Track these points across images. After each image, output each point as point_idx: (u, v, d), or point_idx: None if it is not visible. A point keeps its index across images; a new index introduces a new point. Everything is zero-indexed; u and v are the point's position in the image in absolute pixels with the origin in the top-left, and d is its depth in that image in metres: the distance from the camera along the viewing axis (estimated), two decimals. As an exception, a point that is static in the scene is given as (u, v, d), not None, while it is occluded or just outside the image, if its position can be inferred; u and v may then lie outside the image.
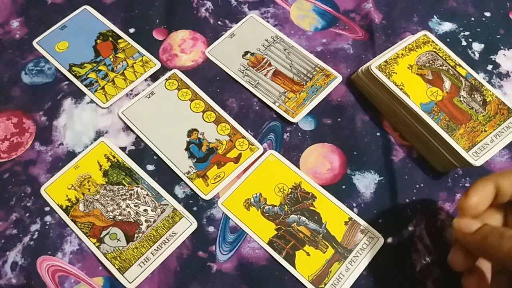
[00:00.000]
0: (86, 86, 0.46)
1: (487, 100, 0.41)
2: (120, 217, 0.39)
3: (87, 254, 0.38)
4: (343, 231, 0.39)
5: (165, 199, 0.40)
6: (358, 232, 0.39)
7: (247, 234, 0.39)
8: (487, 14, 0.52)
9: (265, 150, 0.43)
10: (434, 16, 0.51)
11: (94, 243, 0.38)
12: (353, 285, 0.37)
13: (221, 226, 0.40)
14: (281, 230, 0.39)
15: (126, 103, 0.45)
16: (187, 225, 0.39)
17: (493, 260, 0.30)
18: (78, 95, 0.45)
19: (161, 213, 0.40)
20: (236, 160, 0.42)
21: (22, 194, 0.41)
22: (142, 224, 0.39)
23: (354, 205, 0.41)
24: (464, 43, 0.50)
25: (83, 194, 0.40)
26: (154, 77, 0.47)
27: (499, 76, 0.48)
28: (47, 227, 0.39)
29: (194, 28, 0.50)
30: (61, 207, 0.40)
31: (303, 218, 0.40)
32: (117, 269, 0.37)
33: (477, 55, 0.49)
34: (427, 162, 0.43)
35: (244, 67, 0.47)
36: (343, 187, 0.42)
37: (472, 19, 0.51)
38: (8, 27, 0.50)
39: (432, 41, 0.44)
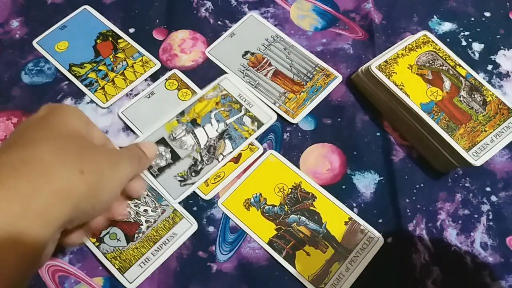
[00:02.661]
0: (86, 86, 0.46)
1: (487, 100, 0.41)
2: (120, 217, 0.39)
3: (87, 254, 0.38)
4: (343, 231, 0.39)
5: (165, 200, 0.40)
6: (358, 232, 0.39)
7: (247, 234, 0.39)
8: (487, 14, 0.52)
9: (265, 150, 0.43)
10: (434, 16, 0.51)
11: (93, 243, 0.38)
12: (353, 285, 0.37)
13: (221, 226, 0.40)
14: (281, 230, 0.39)
15: (126, 103, 0.45)
16: (187, 226, 0.39)
17: None
18: (78, 95, 0.45)
19: (162, 213, 0.40)
20: (236, 160, 0.42)
21: (22, 194, 0.41)
22: (142, 225, 0.39)
23: (354, 205, 0.41)
24: (464, 43, 0.50)
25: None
26: (154, 77, 0.46)
27: (499, 76, 0.48)
28: (47, 227, 0.39)
29: (194, 28, 0.50)
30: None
31: (303, 218, 0.40)
32: (117, 269, 0.37)
33: (477, 55, 0.49)
34: (427, 162, 0.43)
35: (244, 67, 0.47)
36: (343, 187, 0.42)
37: (472, 19, 0.51)
38: (8, 27, 0.49)
39: (432, 41, 0.44)
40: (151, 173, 0.41)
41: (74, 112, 0.30)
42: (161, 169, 0.41)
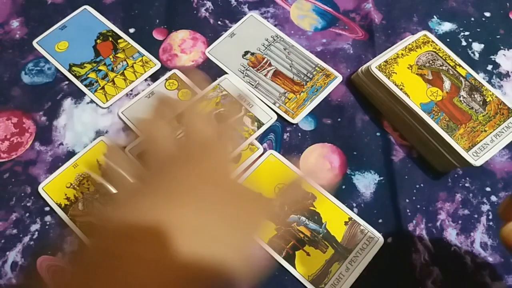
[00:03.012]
0: (86, 86, 0.46)
1: (487, 100, 0.41)
2: None
3: (87, 254, 0.38)
4: (343, 231, 0.39)
5: (165, 199, 0.40)
6: (358, 232, 0.39)
7: (247, 234, 0.39)
8: (487, 14, 0.52)
9: (265, 150, 0.43)
10: (434, 16, 0.51)
11: (94, 243, 0.38)
12: (353, 285, 0.37)
13: (221, 226, 0.40)
14: (281, 230, 0.39)
15: (126, 103, 0.45)
16: (187, 225, 0.39)
17: None
18: (78, 95, 0.45)
19: (161, 213, 0.39)
20: (236, 160, 0.42)
21: (22, 194, 0.41)
22: (142, 224, 0.39)
23: (354, 205, 0.41)
24: (464, 43, 0.50)
25: (82, 193, 0.40)
26: (154, 77, 0.46)
27: (499, 76, 0.48)
28: (47, 227, 0.39)
29: (194, 28, 0.50)
30: (59, 205, 0.40)
31: (303, 218, 0.40)
32: (117, 269, 0.37)
33: (477, 55, 0.49)
34: (427, 162, 0.43)
35: (245, 67, 0.47)
36: (343, 187, 0.42)
37: (472, 19, 0.51)
38: (8, 27, 0.49)
39: (432, 41, 0.44)
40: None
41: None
42: (161, 169, 0.41)
